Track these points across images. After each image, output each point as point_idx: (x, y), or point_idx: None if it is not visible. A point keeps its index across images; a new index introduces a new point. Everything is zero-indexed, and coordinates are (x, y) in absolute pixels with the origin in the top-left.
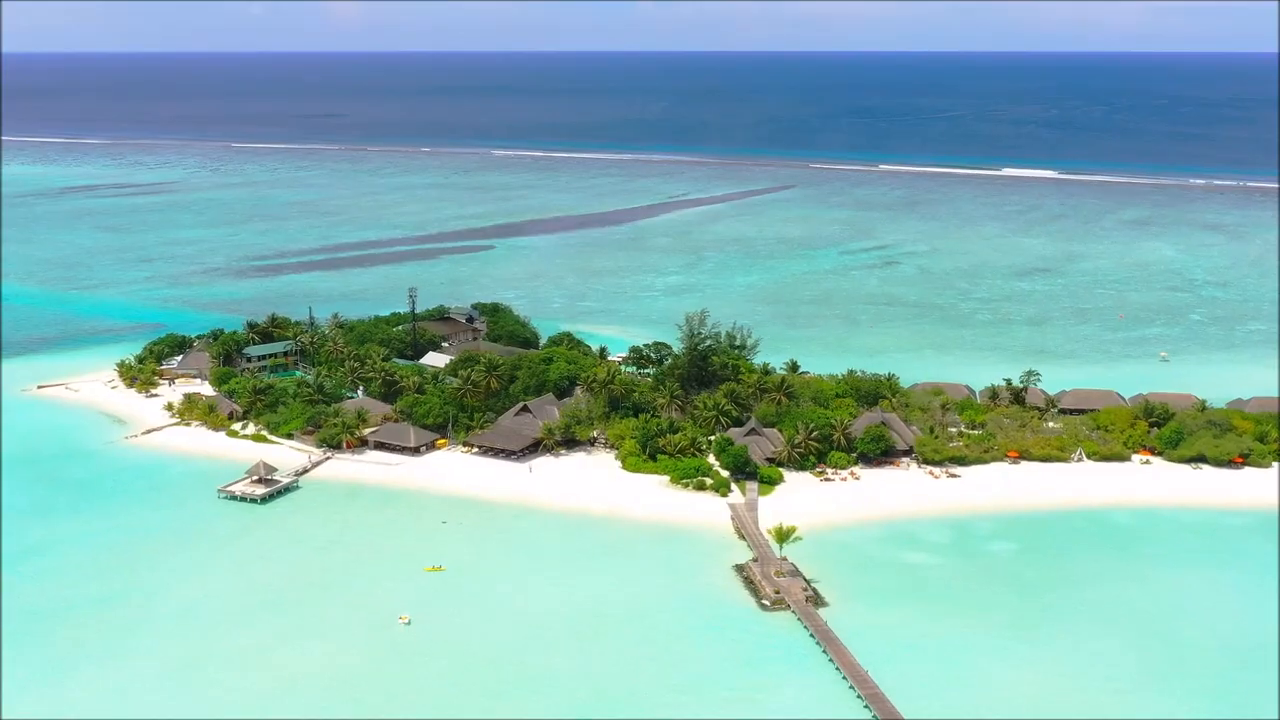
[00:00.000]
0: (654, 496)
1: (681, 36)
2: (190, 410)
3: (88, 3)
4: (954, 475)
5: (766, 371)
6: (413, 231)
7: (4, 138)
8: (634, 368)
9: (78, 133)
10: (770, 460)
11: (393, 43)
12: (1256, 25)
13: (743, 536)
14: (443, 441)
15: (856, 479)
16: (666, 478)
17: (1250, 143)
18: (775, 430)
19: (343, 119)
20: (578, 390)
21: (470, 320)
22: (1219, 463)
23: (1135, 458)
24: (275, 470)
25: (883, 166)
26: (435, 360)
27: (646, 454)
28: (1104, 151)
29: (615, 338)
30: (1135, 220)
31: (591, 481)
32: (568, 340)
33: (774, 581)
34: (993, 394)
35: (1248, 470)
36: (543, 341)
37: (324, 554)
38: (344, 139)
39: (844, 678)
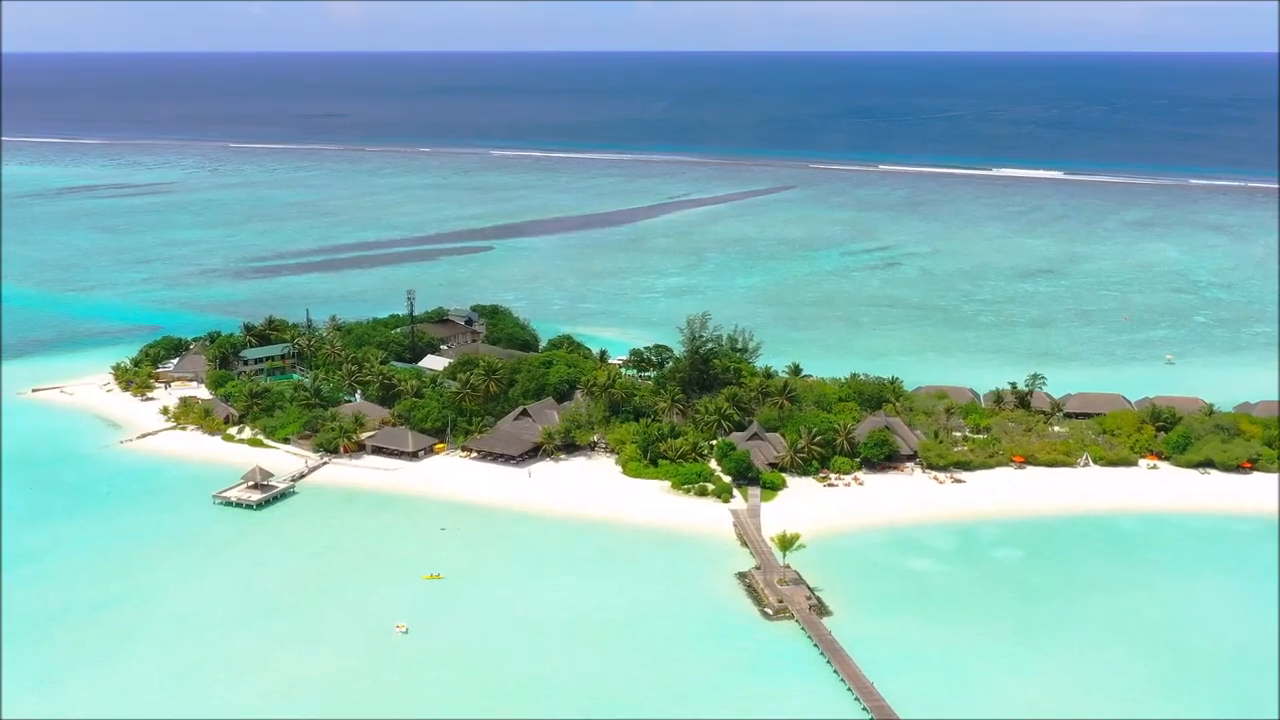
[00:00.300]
0: (655, 502)
1: (681, 36)
2: (186, 414)
3: (88, 3)
4: (959, 480)
5: (769, 375)
6: (412, 232)
7: (3, 138)
8: (634, 371)
9: (76, 133)
10: (773, 465)
11: (393, 43)
12: (1256, 25)
13: (745, 543)
14: (441, 446)
15: (860, 484)
16: (668, 483)
17: (1250, 143)
18: (778, 435)
19: (342, 119)
20: (578, 394)
21: (469, 322)
22: (1227, 468)
23: (1142, 462)
24: (271, 475)
25: (883, 167)
26: (434, 363)
27: (647, 459)
28: (1105, 152)
29: (615, 340)
30: (1138, 221)
31: (592, 487)
32: (567, 343)
33: (777, 590)
34: (997, 398)
35: (1256, 475)
36: (542, 344)
37: (320, 560)
38: (343, 139)
39: (849, 689)
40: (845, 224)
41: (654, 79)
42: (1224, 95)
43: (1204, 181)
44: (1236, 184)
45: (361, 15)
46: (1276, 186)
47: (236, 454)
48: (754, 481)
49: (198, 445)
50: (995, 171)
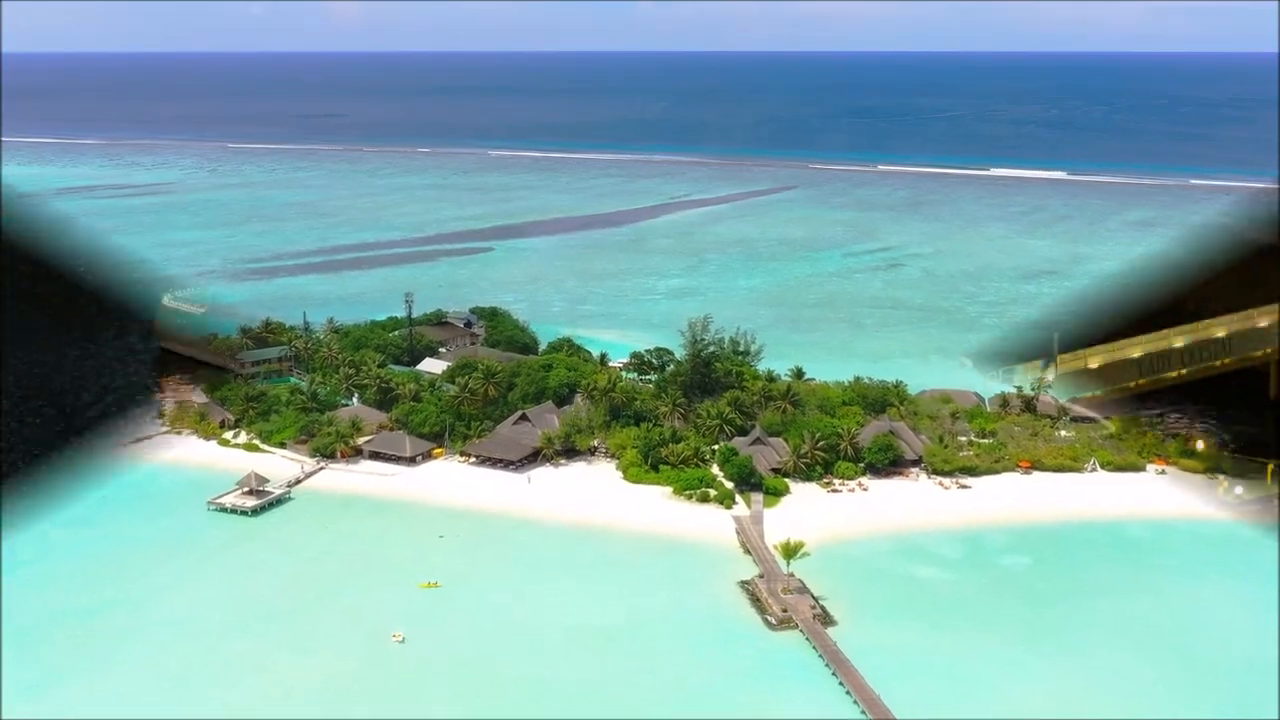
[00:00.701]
0: (656, 508)
1: (681, 36)
2: (181, 418)
3: (88, 3)
4: (964, 486)
5: (771, 378)
6: (411, 233)
7: (3, 138)
8: (635, 374)
9: (75, 133)
10: (776, 470)
11: (393, 43)
12: (1256, 25)
13: (748, 551)
14: (439, 451)
15: (864, 490)
16: (669, 489)
17: (1250, 143)
18: (781, 439)
19: (342, 119)
20: (578, 398)
21: (468, 325)
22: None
23: (1150, 467)
24: (267, 481)
25: (883, 167)
26: (432, 366)
27: (648, 464)
28: (1106, 152)
29: (616, 342)
30: (1141, 221)
31: (592, 492)
32: (567, 346)
33: (781, 599)
34: (1003, 401)
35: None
36: (542, 347)
37: (316, 565)
38: (343, 139)
39: (855, 701)
40: (846, 225)
41: (654, 79)
42: (1224, 95)
43: (1205, 181)
44: (1238, 184)
45: (361, 15)
46: (1277, 187)
47: (232, 458)
48: (756, 487)
49: (193, 449)
50: (996, 171)
